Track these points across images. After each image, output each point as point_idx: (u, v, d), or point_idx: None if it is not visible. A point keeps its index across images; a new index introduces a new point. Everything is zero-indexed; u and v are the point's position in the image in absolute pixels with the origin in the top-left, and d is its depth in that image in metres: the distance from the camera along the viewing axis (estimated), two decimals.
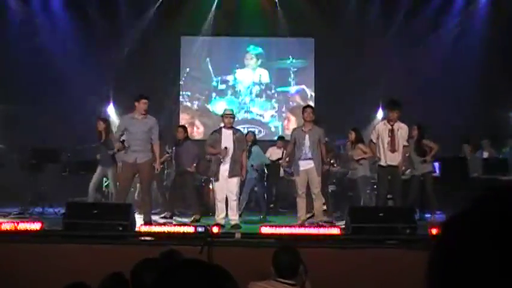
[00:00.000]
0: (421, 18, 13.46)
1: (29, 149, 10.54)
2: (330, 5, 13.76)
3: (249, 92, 14.74)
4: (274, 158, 11.34)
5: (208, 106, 14.67)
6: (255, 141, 10.80)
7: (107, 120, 10.36)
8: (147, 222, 8.02)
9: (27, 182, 10.47)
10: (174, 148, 10.17)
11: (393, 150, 8.50)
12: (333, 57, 13.56)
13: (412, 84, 13.04)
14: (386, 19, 13.64)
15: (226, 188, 8.49)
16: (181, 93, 14.61)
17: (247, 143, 9.42)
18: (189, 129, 14.06)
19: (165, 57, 13.96)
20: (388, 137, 8.53)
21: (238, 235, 7.12)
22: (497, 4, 13.30)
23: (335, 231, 7.40)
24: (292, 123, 14.18)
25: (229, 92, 14.73)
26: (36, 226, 7.37)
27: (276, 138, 12.61)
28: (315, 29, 13.85)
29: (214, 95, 14.73)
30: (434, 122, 11.71)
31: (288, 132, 14.17)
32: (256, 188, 10.39)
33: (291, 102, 14.75)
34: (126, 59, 13.43)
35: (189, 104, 14.69)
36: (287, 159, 9.12)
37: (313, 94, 14.48)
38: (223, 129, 8.66)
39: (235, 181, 8.48)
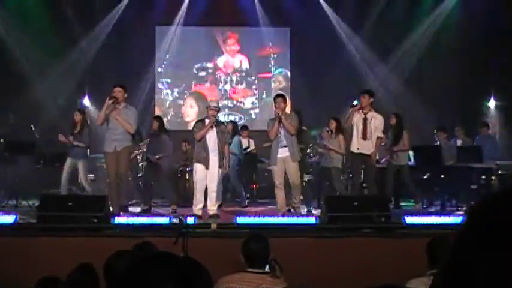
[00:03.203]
0: (397, 9, 13.47)
1: (2, 142, 10.39)
2: None
3: (229, 79, 14.71)
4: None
5: (188, 93, 14.64)
6: (236, 131, 10.81)
7: (84, 112, 10.17)
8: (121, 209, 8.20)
9: (1, 174, 10.34)
10: (148, 140, 10.11)
11: (364, 138, 8.57)
12: (308, 47, 13.59)
13: (387, 73, 13.13)
14: (363, 8, 13.65)
15: (206, 178, 8.47)
16: (160, 80, 14.53)
17: (229, 133, 9.40)
18: (168, 118, 14.07)
19: (139, 48, 13.80)
20: (361, 125, 8.60)
21: (214, 225, 7.12)
22: None
23: (311, 220, 7.44)
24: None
25: (209, 79, 14.68)
26: (10, 219, 7.30)
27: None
28: (291, 19, 13.83)
29: (194, 82, 14.66)
30: (409, 111, 11.84)
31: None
32: (231, 178, 10.41)
33: (272, 89, 14.64)
34: (100, 49, 13.30)
35: (168, 91, 14.61)
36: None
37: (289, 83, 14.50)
38: (206, 120, 8.63)
39: (217, 172, 8.48)
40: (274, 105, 8.55)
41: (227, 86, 14.71)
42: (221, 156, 8.49)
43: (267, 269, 3.77)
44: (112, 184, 8.40)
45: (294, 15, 13.64)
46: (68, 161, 9.57)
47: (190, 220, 6.59)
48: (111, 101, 8.17)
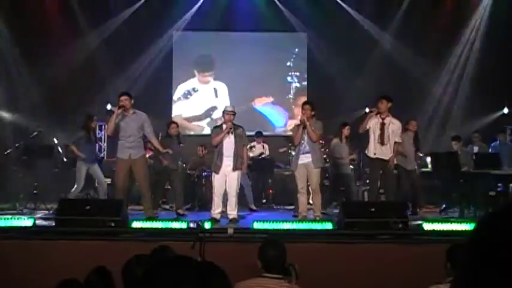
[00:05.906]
0: (416, 14, 13.42)
1: (21, 146, 10.50)
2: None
3: None
4: (256, 153, 11.37)
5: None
6: None
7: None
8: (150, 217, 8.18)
9: (20, 178, 10.43)
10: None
11: (382, 143, 8.54)
12: (324, 52, 13.58)
13: (404, 79, 13.07)
14: (380, 16, 13.62)
15: (225, 182, 8.49)
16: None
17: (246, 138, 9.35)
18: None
19: (157, 53, 13.88)
20: (378, 130, 8.57)
21: (231, 230, 7.12)
22: (496, 4, 13.28)
23: (328, 226, 7.42)
24: None
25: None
26: (28, 222, 7.37)
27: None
28: (308, 24, 13.83)
29: None
30: (425, 117, 11.79)
31: None
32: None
33: None
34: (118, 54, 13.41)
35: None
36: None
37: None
38: (223, 125, 8.68)
39: (236, 176, 8.49)
40: (301, 112, 8.63)
41: None
42: (238, 160, 8.51)
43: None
44: (119, 190, 8.39)
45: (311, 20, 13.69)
46: (85, 167, 9.57)
47: (207, 225, 6.59)
48: (120, 110, 8.22)
